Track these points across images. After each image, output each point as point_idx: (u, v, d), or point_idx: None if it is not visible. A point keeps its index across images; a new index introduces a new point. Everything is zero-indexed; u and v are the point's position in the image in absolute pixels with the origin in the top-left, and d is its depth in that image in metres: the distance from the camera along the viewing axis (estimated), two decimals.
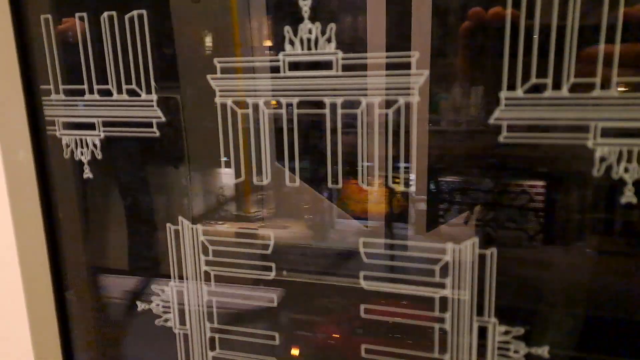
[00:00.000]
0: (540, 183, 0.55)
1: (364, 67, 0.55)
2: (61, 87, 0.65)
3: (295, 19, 0.55)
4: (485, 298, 0.56)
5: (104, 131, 0.65)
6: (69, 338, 0.74)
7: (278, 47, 0.56)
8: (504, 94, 0.50)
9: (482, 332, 0.57)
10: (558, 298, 0.57)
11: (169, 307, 0.69)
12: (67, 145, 0.67)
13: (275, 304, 0.64)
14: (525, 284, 0.57)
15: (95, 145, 0.66)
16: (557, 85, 0.49)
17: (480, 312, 0.56)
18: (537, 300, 0.57)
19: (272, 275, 0.63)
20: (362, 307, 0.61)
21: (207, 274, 0.66)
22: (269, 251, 0.63)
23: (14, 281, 0.67)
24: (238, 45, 0.62)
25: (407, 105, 0.54)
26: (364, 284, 0.60)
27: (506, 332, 0.56)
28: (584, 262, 0.56)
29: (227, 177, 0.62)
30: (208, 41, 0.64)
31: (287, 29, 0.55)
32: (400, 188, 0.56)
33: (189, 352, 0.69)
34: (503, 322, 0.56)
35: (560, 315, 0.57)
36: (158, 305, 0.69)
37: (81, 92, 0.64)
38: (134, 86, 0.62)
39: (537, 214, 0.55)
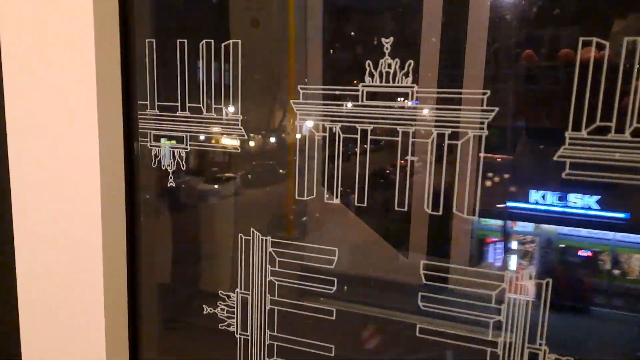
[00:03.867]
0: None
1: (437, 101, 0.59)
2: (156, 103, 0.72)
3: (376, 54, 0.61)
4: (538, 326, 0.58)
5: (190, 145, 0.72)
6: (137, 336, 0.80)
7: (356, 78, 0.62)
8: (569, 133, 0.54)
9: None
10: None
11: (233, 313, 0.74)
12: (156, 156, 0.74)
13: (334, 317, 0.68)
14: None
15: (181, 157, 0.72)
16: (620, 129, 0.53)
17: (532, 339, 0.59)
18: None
19: (333, 289, 0.67)
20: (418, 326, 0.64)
21: (272, 283, 0.71)
22: (332, 266, 0.67)
23: (96, 272, 0.73)
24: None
25: (477, 139, 0.58)
26: (420, 305, 0.63)
27: None
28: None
29: (299, 193, 0.67)
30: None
31: (368, 63, 0.61)
32: (463, 215, 0.60)
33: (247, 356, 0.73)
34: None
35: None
36: (223, 310, 0.74)
37: (174, 109, 0.71)
38: (222, 106, 0.69)
39: None
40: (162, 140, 0.73)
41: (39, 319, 0.80)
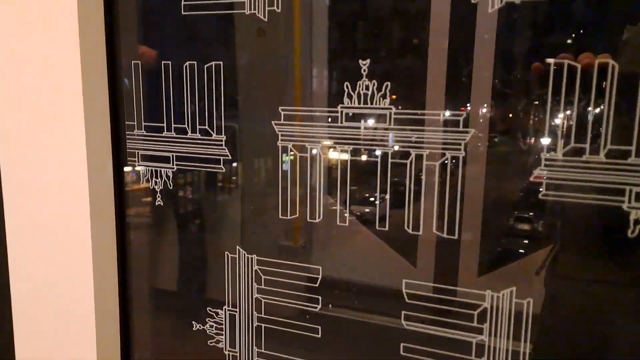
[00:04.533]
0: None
1: (414, 122, 0.60)
2: (143, 124, 0.73)
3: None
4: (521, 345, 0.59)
5: (176, 164, 0.73)
6: (129, 353, 0.82)
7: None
8: (544, 155, 0.54)
9: None
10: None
11: (221, 330, 0.75)
12: (144, 175, 0.75)
13: (319, 335, 0.69)
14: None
15: (168, 177, 0.74)
16: (595, 150, 0.53)
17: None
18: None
19: (318, 307, 0.68)
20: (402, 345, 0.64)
21: (258, 300, 0.72)
22: (316, 284, 0.68)
23: (86, 290, 0.74)
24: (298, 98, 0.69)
25: (454, 159, 0.58)
26: (404, 324, 0.64)
27: None
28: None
29: (283, 212, 0.68)
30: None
31: (347, 84, 0.61)
32: (444, 234, 0.60)
33: None
34: None
35: None
36: (212, 326, 0.75)
37: (160, 130, 0.72)
38: (206, 127, 0.70)
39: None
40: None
41: (33, 343, 0.81)
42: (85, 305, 0.75)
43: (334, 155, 0.64)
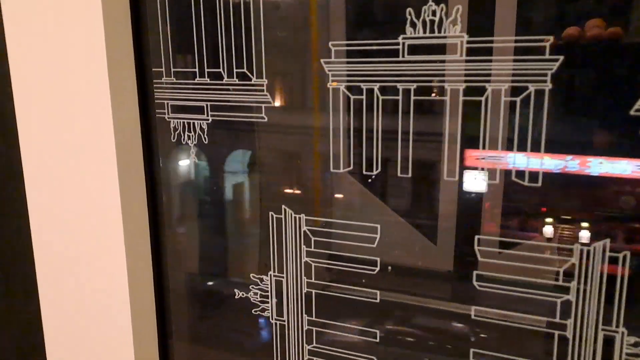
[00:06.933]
0: None
1: (491, 52, 0.51)
2: (172, 69, 0.66)
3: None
4: (615, 305, 0.51)
5: (212, 115, 0.65)
6: (166, 321, 0.75)
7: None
8: None
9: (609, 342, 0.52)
10: None
11: (267, 297, 0.68)
12: (175, 129, 0.67)
13: (377, 300, 0.62)
14: None
15: (202, 130, 0.66)
16: None
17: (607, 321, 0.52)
18: None
19: (376, 270, 0.61)
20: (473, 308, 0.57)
21: (307, 265, 0.65)
22: (374, 245, 0.61)
23: (118, 254, 0.68)
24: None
25: (538, 93, 0.50)
26: (476, 285, 0.56)
27: (635, 344, 0.51)
28: None
29: (335, 165, 0.60)
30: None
31: (409, 11, 0.53)
32: (526, 183, 0.52)
33: (284, 343, 0.68)
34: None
35: None
36: (256, 294, 0.68)
37: (192, 75, 0.64)
38: (245, 70, 0.62)
39: None
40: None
41: (61, 307, 0.75)
42: (117, 270, 0.69)
43: (395, 95, 0.56)
